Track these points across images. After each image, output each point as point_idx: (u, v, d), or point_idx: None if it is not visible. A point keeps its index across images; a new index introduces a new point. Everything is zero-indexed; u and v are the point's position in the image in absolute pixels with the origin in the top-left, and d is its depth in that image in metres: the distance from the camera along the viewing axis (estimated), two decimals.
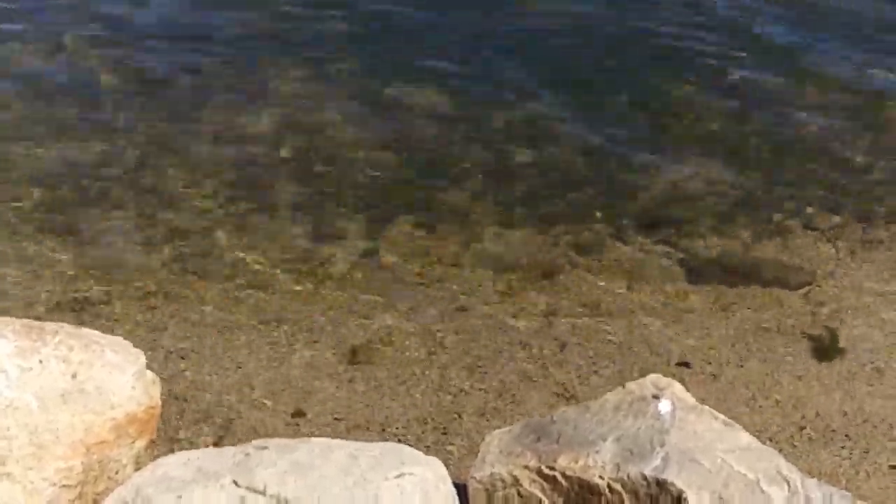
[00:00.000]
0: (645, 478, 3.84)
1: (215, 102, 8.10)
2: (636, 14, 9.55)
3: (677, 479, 3.80)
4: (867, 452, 5.12)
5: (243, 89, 8.28)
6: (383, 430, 5.26)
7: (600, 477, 3.91)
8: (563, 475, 3.97)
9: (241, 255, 6.50)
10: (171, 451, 4.53)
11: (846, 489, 4.37)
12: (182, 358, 5.66)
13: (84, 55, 8.68)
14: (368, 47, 8.90)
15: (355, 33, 9.10)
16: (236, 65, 8.64)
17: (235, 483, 3.78)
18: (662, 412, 4.11)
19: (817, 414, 5.39)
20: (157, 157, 7.44)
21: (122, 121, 7.85)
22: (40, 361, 4.14)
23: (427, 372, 5.66)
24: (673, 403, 4.16)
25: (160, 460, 4.06)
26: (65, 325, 4.52)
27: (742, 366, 5.73)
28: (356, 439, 4.91)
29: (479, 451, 4.34)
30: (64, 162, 7.34)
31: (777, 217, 6.97)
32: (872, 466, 5.05)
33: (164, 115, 7.92)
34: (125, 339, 4.57)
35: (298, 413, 5.35)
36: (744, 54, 8.88)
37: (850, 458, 5.10)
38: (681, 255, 6.61)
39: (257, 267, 6.40)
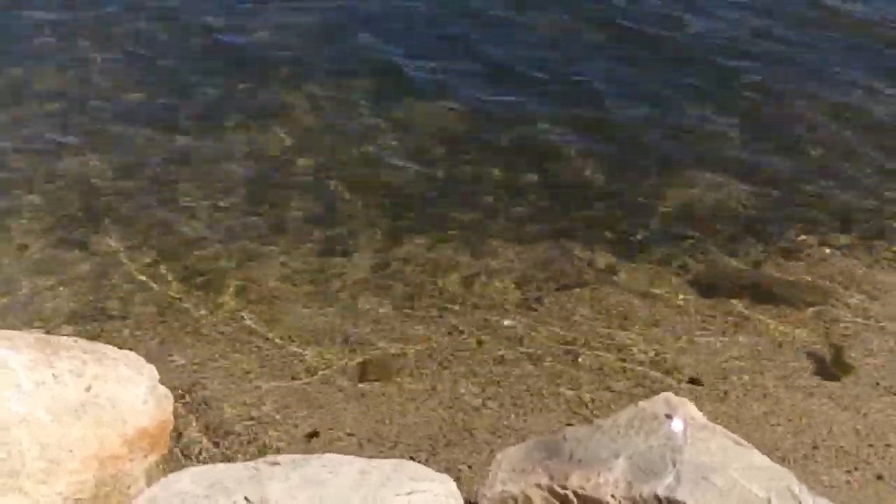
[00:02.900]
0: (657, 497, 3.83)
1: (231, 119, 8.13)
2: (651, 32, 9.56)
3: (689, 498, 3.79)
4: (880, 477, 5.09)
5: (258, 106, 8.32)
6: (395, 446, 5.25)
7: (612, 496, 3.89)
8: (575, 494, 3.96)
9: (255, 269, 6.52)
10: (183, 466, 4.53)
11: None
12: (194, 372, 5.67)
13: (103, 71, 8.73)
14: (381, 66, 8.93)
15: (369, 53, 9.13)
16: (252, 82, 8.67)
17: (247, 499, 3.78)
18: (675, 431, 4.09)
19: (830, 432, 5.36)
20: (173, 172, 7.48)
21: (138, 136, 7.89)
22: (54, 375, 4.14)
23: (439, 387, 5.66)
24: (685, 422, 4.15)
25: (172, 475, 4.06)
26: (78, 339, 4.53)
27: (754, 383, 5.71)
28: (367, 455, 4.92)
29: (490, 469, 4.33)
30: (81, 175, 7.39)
31: (789, 235, 6.96)
32: (887, 487, 5.02)
33: (180, 131, 7.97)
34: (138, 353, 4.58)
35: (310, 428, 5.35)
36: (757, 73, 8.88)
37: (862, 476, 5.08)
38: (693, 273, 6.60)
39: (271, 282, 6.42)
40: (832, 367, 5.85)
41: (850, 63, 9.04)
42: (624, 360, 5.86)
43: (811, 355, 5.93)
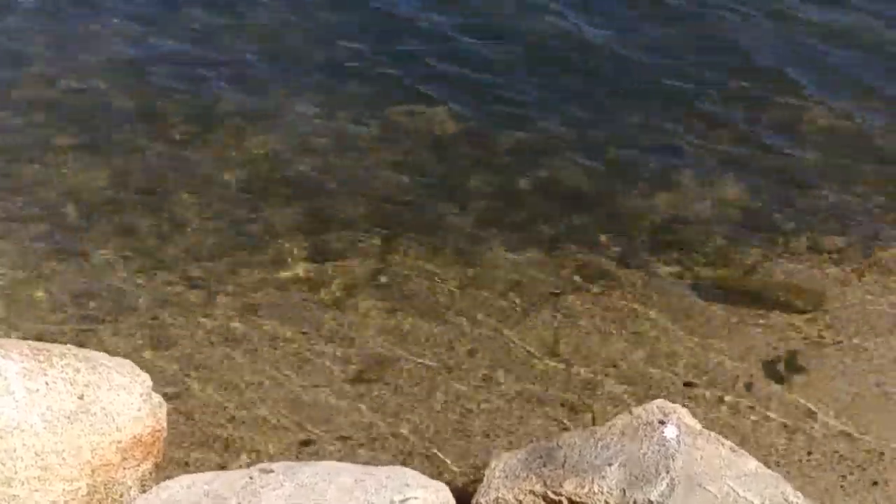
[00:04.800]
0: None
1: (223, 124, 8.11)
2: (644, 36, 9.56)
3: None
4: (876, 483, 5.09)
5: (251, 112, 8.30)
6: (390, 450, 5.25)
7: (606, 502, 3.91)
8: (569, 500, 3.98)
9: (249, 276, 6.51)
10: (177, 474, 4.52)
11: None
12: (188, 380, 5.67)
13: (95, 77, 8.71)
14: (376, 70, 8.92)
15: (363, 56, 9.12)
16: (244, 87, 8.66)
17: None
18: (668, 438, 4.10)
19: (824, 438, 5.37)
20: (165, 178, 7.45)
21: (130, 143, 7.87)
22: (47, 383, 4.15)
23: (433, 393, 5.66)
24: (679, 429, 4.16)
25: (165, 483, 4.07)
26: (71, 346, 4.53)
27: (748, 388, 5.71)
28: (362, 460, 4.93)
29: (484, 475, 4.34)
30: (73, 183, 7.37)
31: (783, 240, 6.95)
32: (883, 494, 5.03)
33: (173, 136, 7.95)
34: (132, 361, 4.58)
35: (304, 433, 5.35)
36: (752, 78, 8.87)
37: (857, 482, 5.08)
38: (688, 277, 6.59)
39: (265, 288, 6.41)
40: (827, 370, 5.85)
41: (846, 66, 9.04)
42: (618, 366, 5.86)
43: (807, 360, 5.93)
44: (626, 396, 5.59)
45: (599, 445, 4.18)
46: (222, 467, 4.94)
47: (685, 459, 3.98)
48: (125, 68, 8.89)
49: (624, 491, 3.91)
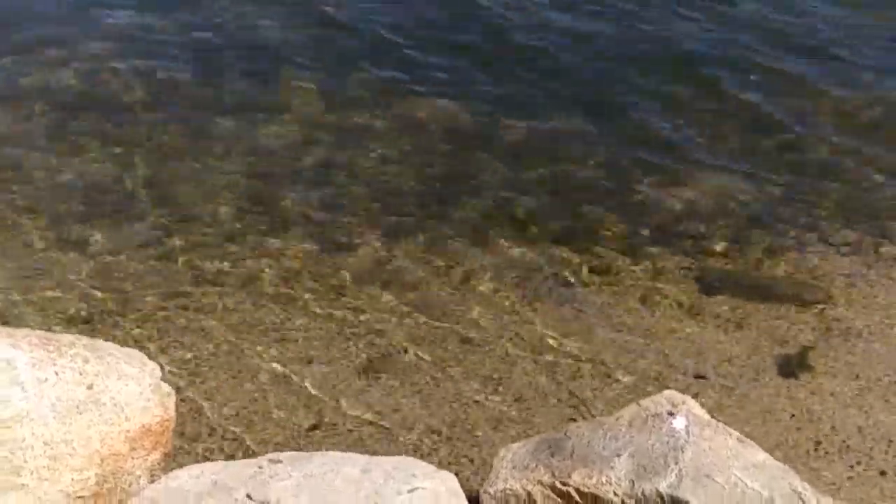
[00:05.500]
0: (660, 495, 3.83)
1: (231, 115, 8.13)
2: (653, 31, 9.56)
3: (692, 496, 3.80)
4: (884, 473, 5.09)
5: (259, 102, 8.32)
6: (397, 440, 5.26)
7: (615, 493, 3.90)
8: (577, 491, 3.97)
9: (256, 266, 6.52)
10: (186, 463, 4.53)
11: None
12: (197, 370, 5.68)
13: (101, 68, 8.73)
14: (385, 61, 8.93)
15: (372, 48, 9.13)
16: (253, 78, 8.68)
17: (249, 497, 3.79)
18: (677, 429, 4.09)
19: (832, 429, 5.36)
20: (172, 169, 7.47)
21: (137, 133, 7.89)
22: (56, 373, 4.14)
23: (441, 384, 5.66)
24: (688, 420, 4.15)
25: (174, 473, 4.07)
26: (81, 336, 4.53)
27: (757, 380, 5.71)
28: (370, 450, 4.93)
29: (492, 465, 4.33)
30: (80, 173, 7.39)
31: (792, 233, 6.96)
32: (891, 484, 5.02)
33: (180, 128, 7.97)
34: (140, 351, 4.58)
35: (313, 424, 5.36)
36: (760, 73, 8.87)
37: (865, 473, 5.08)
38: (696, 270, 6.60)
39: (272, 278, 6.42)
40: (835, 363, 5.85)
41: (851, 63, 9.03)
42: (626, 357, 5.85)
43: (814, 353, 5.92)
44: (634, 388, 5.59)
45: (608, 436, 4.17)
46: (231, 457, 4.94)
47: (694, 450, 3.98)
48: (134, 57, 8.91)
49: (632, 482, 3.90)
